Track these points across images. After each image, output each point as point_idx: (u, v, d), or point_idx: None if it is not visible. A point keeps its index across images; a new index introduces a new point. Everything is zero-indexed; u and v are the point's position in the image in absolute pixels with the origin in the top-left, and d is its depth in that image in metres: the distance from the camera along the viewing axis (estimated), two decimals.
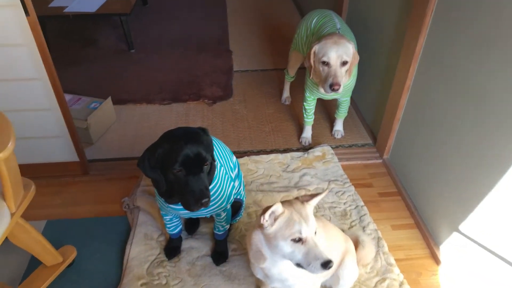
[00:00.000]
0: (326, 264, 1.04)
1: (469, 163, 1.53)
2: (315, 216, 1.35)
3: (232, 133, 2.48)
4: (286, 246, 1.07)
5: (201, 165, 1.24)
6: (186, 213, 1.48)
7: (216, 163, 1.41)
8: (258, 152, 2.29)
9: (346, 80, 2.02)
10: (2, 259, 1.68)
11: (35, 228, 1.43)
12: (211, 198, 1.40)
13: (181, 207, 1.38)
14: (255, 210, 1.91)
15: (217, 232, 1.65)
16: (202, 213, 1.48)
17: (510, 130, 1.29)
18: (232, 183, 1.52)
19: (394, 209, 1.99)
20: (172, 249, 1.71)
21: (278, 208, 1.06)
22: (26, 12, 1.49)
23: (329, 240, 1.31)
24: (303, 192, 2.01)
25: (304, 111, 2.31)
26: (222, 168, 1.46)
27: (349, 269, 1.42)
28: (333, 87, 1.89)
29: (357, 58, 1.97)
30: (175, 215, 1.60)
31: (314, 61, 1.95)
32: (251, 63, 3.26)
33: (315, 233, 1.09)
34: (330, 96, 2.14)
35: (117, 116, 2.57)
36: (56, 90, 1.77)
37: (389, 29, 2.19)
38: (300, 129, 2.49)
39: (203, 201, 1.24)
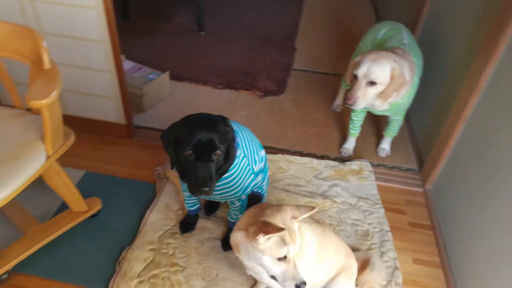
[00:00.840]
0: (300, 286, 1.06)
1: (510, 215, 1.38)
2: (318, 221, 1.32)
3: (274, 128, 2.47)
4: (269, 261, 1.08)
5: (210, 153, 1.25)
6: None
7: (239, 152, 1.42)
8: (294, 153, 2.27)
9: (378, 102, 1.89)
10: (38, 198, 1.85)
11: (74, 176, 1.55)
12: (227, 185, 1.43)
13: None
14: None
15: (230, 219, 1.67)
16: (214, 197, 1.50)
17: None
18: (252, 175, 1.52)
19: (421, 242, 1.86)
20: (187, 224, 1.76)
21: (282, 234, 1.05)
22: None
23: (323, 247, 1.27)
24: (328, 202, 1.95)
25: (350, 121, 2.24)
26: (245, 158, 1.47)
27: (340, 286, 1.36)
28: (346, 101, 1.83)
29: (401, 81, 1.80)
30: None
31: (351, 73, 1.88)
32: (313, 64, 3.22)
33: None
34: (380, 112, 2.04)
35: (172, 90, 2.69)
36: (116, 55, 1.89)
37: (458, 54, 2.03)
38: (344, 139, 2.41)
39: (204, 189, 1.25)
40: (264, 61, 3.18)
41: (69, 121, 1.47)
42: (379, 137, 2.44)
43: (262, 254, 1.08)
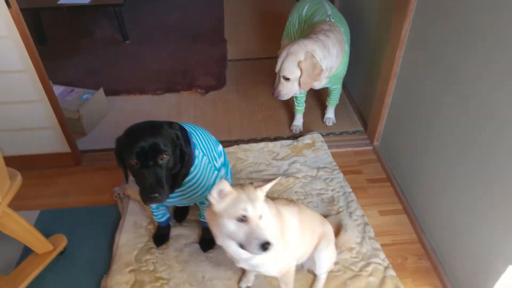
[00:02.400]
0: (264, 246, 1.05)
1: (457, 150, 1.52)
2: (292, 201, 1.38)
3: (224, 122, 2.49)
4: (230, 224, 1.08)
5: (155, 158, 1.22)
6: (169, 201, 1.50)
7: (197, 152, 1.42)
8: (249, 141, 2.31)
9: (300, 90, 2.00)
10: None
11: (29, 218, 1.47)
12: (192, 187, 1.43)
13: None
14: None
15: (203, 220, 1.68)
16: (184, 201, 1.50)
17: (499, 115, 1.28)
18: (215, 172, 1.54)
19: (382, 195, 2.00)
20: (160, 236, 1.74)
21: (224, 186, 1.08)
22: (8, 4, 1.51)
23: (303, 223, 1.33)
24: (291, 180, 2.02)
25: (295, 99, 2.32)
26: (205, 157, 1.48)
27: (324, 252, 1.44)
28: (272, 94, 1.99)
29: (317, 72, 1.89)
30: (161, 204, 1.63)
31: None
32: (245, 52, 3.26)
33: (260, 217, 1.10)
34: (321, 86, 2.13)
35: (110, 106, 2.59)
36: (43, 81, 1.79)
37: (378, 13, 2.17)
38: (292, 117, 2.49)
39: (152, 196, 1.22)
40: (198, 57, 3.16)
41: (10, 162, 1.38)
42: (323, 109, 2.55)
43: (222, 217, 1.09)
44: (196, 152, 1.42)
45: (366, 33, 2.34)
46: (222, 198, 1.09)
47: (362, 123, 2.44)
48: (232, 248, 1.17)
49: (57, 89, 2.40)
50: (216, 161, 1.57)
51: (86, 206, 1.95)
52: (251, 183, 1.17)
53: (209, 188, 1.51)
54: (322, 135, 2.31)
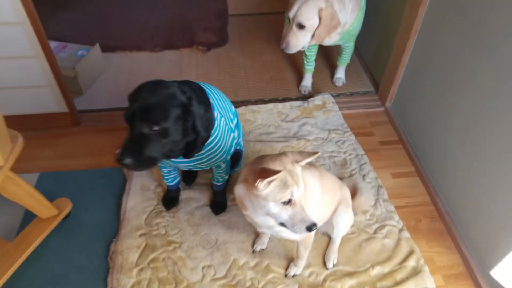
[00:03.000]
0: (311, 227, 1.04)
1: (474, 112, 1.46)
2: (313, 164, 1.31)
3: (229, 82, 2.37)
4: (274, 208, 1.05)
5: (142, 125, 1.11)
6: (185, 166, 1.43)
7: (216, 114, 1.33)
8: (256, 102, 2.21)
9: (312, 43, 1.87)
10: None
11: (27, 181, 1.38)
12: (212, 150, 1.35)
13: (181, 159, 1.33)
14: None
15: (216, 183, 1.62)
16: (202, 165, 1.42)
17: None
18: (232, 134, 1.46)
19: (395, 157, 1.95)
20: (170, 199, 1.68)
21: (281, 176, 1.01)
22: None
23: (324, 188, 1.28)
24: (302, 142, 1.95)
25: (304, 58, 2.20)
26: (222, 119, 1.38)
27: (343, 217, 1.41)
28: (279, 45, 1.82)
29: (335, 24, 1.78)
30: (173, 167, 1.55)
31: None
32: (247, 6, 3.07)
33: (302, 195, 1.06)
34: (331, 43, 2.01)
35: (106, 64, 2.44)
36: (40, 36, 1.64)
37: None
38: (300, 77, 2.38)
39: (120, 159, 1.11)
40: (197, 12, 2.97)
41: (7, 122, 1.27)
42: (332, 68, 2.44)
43: (266, 201, 1.04)
44: (215, 114, 1.33)
45: None
46: (269, 183, 1.01)
47: (373, 84, 2.35)
48: (260, 218, 1.11)
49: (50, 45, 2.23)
50: (232, 122, 1.48)
51: (88, 168, 1.86)
52: (287, 155, 1.09)
53: (228, 152, 1.44)
54: (332, 96, 2.22)
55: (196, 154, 1.35)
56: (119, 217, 1.65)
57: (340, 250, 1.53)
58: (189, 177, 1.77)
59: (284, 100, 2.23)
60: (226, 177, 1.61)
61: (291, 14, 1.77)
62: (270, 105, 2.14)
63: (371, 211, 1.67)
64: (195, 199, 1.71)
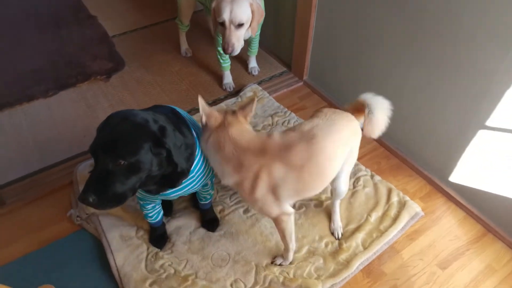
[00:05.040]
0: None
1: (389, 56, 1.72)
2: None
3: (149, 101, 2.24)
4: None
5: (107, 160, 1.02)
6: (175, 195, 1.33)
7: (195, 137, 1.27)
8: (190, 112, 2.15)
9: (248, 35, 1.98)
10: None
11: None
12: (200, 171, 1.29)
13: (171, 190, 1.24)
14: None
15: (204, 202, 1.55)
16: (193, 189, 1.35)
17: (430, 17, 1.48)
18: None
19: None
20: (159, 237, 1.55)
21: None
22: None
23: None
24: None
25: (219, 57, 2.22)
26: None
27: (346, 177, 1.43)
28: (225, 51, 1.84)
29: (262, 13, 1.90)
30: (158, 202, 1.44)
31: (215, 19, 1.85)
32: (125, 24, 2.90)
33: None
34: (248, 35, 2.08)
35: None
36: None
37: None
38: (216, 77, 2.40)
39: (83, 198, 1.02)
40: (74, 43, 2.69)
41: None
42: (240, 62, 2.52)
43: None
44: (194, 134, 1.27)
45: None
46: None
47: (283, 64, 2.51)
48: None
49: None
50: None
51: (43, 246, 1.57)
52: (232, 112, 1.23)
53: (211, 168, 1.39)
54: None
55: (190, 182, 1.28)
56: (113, 279, 1.46)
57: None
58: (167, 208, 1.66)
59: (215, 102, 2.22)
60: (213, 192, 1.56)
61: (225, 17, 1.76)
62: None
63: None
64: (184, 226, 1.61)
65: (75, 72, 2.42)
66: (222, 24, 1.80)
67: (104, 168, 1.03)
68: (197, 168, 1.27)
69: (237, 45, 1.84)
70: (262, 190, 1.17)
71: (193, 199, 1.70)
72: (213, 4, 1.79)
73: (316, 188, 1.26)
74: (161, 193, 1.26)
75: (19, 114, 2.16)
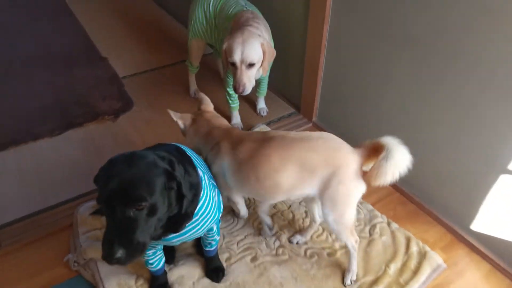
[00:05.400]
0: None
1: (400, 94, 1.69)
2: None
3: (156, 142, 2.18)
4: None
5: (126, 206, 0.95)
6: (178, 240, 1.24)
7: (200, 172, 1.21)
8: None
9: (259, 75, 1.97)
10: None
11: None
12: (205, 214, 1.21)
13: (172, 235, 1.16)
14: (228, 211, 1.75)
15: (209, 249, 1.45)
16: (197, 233, 1.26)
17: (428, 51, 1.45)
18: (216, 189, 1.34)
19: None
20: (160, 287, 1.44)
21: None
22: None
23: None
24: None
25: (228, 97, 2.20)
26: (206, 175, 1.27)
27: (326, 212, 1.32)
28: (236, 91, 1.83)
29: (273, 53, 1.89)
30: (159, 247, 1.34)
31: (226, 59, 1.85)
32: (135, 65, 2.94)
33: None
34: (259, 75, 2.06)
35: (1, 165, 2.01)
36: None
37: None
38: (224, 118, 2.36)
39: (112, 257, 0.93)
40: (83, 82, 2.71)
41: None
42: (251, 102, 2.50)
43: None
44: (200, 173, 1.21)
45: (272, 15, 2.37)
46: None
47: (292, 105, 2.49)
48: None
49: None
50: (212, 179, 1.37)
51: None
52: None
53: (219, 209, 1.32)
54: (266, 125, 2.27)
55: (194, 225, 1.21)
56: None
57: None
58: (169, 254, 1.55)
59: None
60: (218, 238, 1.46)
61: (236, 57, 1.76)
62: None
63: (356, 216, 1.73)
64: (187, 275, 1.50)
65: (83, 111, 2.41)
66: (234, 64, 1.79)
67: (124, 216, 0.95)
68: (202, 210, 1.20)
69: (248, 85, 1.82)
70: (218, 164, 1.39)
71: (197, 245, 1.60)
72: (225, 45, 1.79)
73: (258, 191, 1.36)
74: (163, 239, 1.17)
75: (24, 153, 2.12)
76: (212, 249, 1.46)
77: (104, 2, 3.97)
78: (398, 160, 1.20)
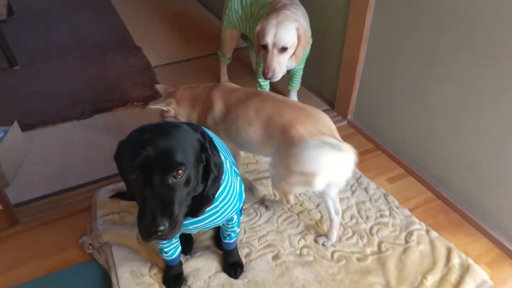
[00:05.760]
0: None
1: (447, 95, 1.52)
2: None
3: None
4: None
5: (165, 173, 0.88)
6: (195, 227, 1.15)
7: (222, 157, 1.11)
8: None
9: (292, 64, 1.84)
10: None
11: None
12: (224, 202, 1.11)
13: (190, 220, 1.07)
14: (250, 205, 1.65)
15: (228, 241, 1.35)
16: (215, 222, 1.16)
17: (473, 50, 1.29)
18: (238, 177, 1.24)
19: (379, 164, 1.93)
20: (174, 278, 1.35)
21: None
22: None
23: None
24: None
25: (259, 88, 2.10)
26: (227, 161, 1.17)
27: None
28: (265, 75, 1.71)
29: (309, 40, 1.78)
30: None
31: (258, 42, 1.75)
32: (168, 55, 2.91)
33: None
34: (294, 65, 1.95)
35: (29, 145, 2.00)
36: None
37: None
38: None
39: (155, 230, 0.86)
40: (116, 69, 2.70)
41: None
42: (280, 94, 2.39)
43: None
44: (222, 157, 1.11)
45: (311, 4, 2.25)
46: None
47: (326, 102, 2.36)
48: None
49: None
50: (234, 165, 1.27)
51: (50, 273, 1.42)
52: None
53: (240, 198, 1.21)
54: None
55: (213, 212, 1.11)
56: None
57: (385, 271, 1.38)
58: (186, 244, 1.47)
59: None
60: (239, 230, 1.36)
61: (268, 39, 1.66)
62: None
63: (390, 221, 1.58)
64: (203, 268, 1.40)
65: (112, 97, 2.39)
66: (265, 47, 1.69)
67: (162, 185, 0.88)
68: (222, 196, 1.10)
69: (278, 71, 1.71)
70: (210, 115, 1.48)
71: (216, 237, 1.50)
72: (258, 27, 1.70)
73: (240, 143, 1.45)
74: None
75: (51, 133, 2.11)
76: (232, 241, 1.35)
77: None
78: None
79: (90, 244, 1.49)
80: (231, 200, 1.14)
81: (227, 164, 1.15)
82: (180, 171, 0.89)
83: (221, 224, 1.24)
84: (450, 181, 1.67)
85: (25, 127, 2.08)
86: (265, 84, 2.08)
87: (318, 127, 1.28)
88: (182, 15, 3.57)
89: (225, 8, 2.19)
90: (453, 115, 1.57)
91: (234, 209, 1.19)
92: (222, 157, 1.11)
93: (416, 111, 1.74)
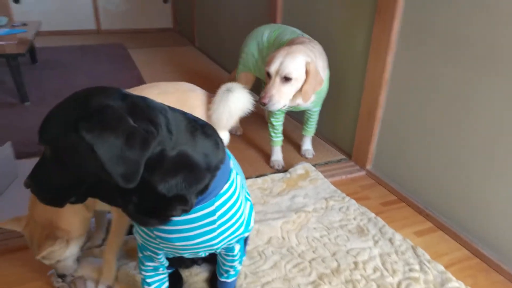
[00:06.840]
0: None
1: (483, 145, 1.35)
2: None
3: None
4: None
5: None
6: (185, 247, 0.92)
7: (232, 165, 0.93)
8: None
9: (301, 102, 1.73)
10: None
11: None
12: (228, 215, 0.91)
13: (177, 234, 0.85)
14: (254, 247, 1.41)
15: (225, 280, 1.10)
16: (212, 246, 0.93)
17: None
18: (249, 202, 1.04)
19: (405, 216, 1.69)
20: None
21: None
22: None
23: None
24: (303, 215, 1.59)
25: (271, 129, 1.98)
26: (239, 177, 0.98)
27: None
28: (260, 100, 1.61)
29: (320, 81, 1.66)
30: (161, 263, 1.02)
31: (266, 72, 1.68)
32: None
33: None
34: (298, 107, 1.84)
35: (20, 172, 1.85)
36: None
37: (339, 28, 2.06)
38: (264, 155, 2.13)
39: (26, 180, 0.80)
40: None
41: None
42: (293, 143, 2.26)
43: None
44: (231, 164, 0.93)
45: (330, 50, 2.22)
46: None
47: (342, 152, 2.20)
48: None
49: None
50: (245, 188, 1.08)
51: None
52: None
53: (247, 224, 1.00)
54: None
55: (207, 223, 0.88)
56: None
57: None
58: (173, 283, 1.21)
59: (259, 177, 1.89)
60: (240, 267, 1.11)
61: (272, 68, 1.59)
62: (249, 181, 1.78)
63: (422, 277, 1.30)
64: None
65: None
66: (268, 74, 1.60)
67: (44, 153, 0.81)
68: (224, 208, 0.88)
69: (277, 99, 1.59)
70: None
71: (212, 281, 1.25)
72: (269, 57, 1.64)
73: None
74: (155, 229, 0.86)
75: None
76: (229, 281, 1.10)
77: (163, 56, 4.15)
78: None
79: (60, 277, 1.24)
80: (234, 220, 0.93)
81: (238, 179, 0.96)
82: (44, 144, 0.79)
83: (219, 249, 1.00)
84: (490, 237, 1.42)
85: (21, 155, 1.96)
86: (278, 125, 1.96)
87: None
88: (200, 75, 3.63)
89: (240, 51, 2.18)
90: (489, 158, 1.38)
91: (235, 234, 0.96)
92: (234, 171, 0.93)
93: (443, 159, 1.56)
